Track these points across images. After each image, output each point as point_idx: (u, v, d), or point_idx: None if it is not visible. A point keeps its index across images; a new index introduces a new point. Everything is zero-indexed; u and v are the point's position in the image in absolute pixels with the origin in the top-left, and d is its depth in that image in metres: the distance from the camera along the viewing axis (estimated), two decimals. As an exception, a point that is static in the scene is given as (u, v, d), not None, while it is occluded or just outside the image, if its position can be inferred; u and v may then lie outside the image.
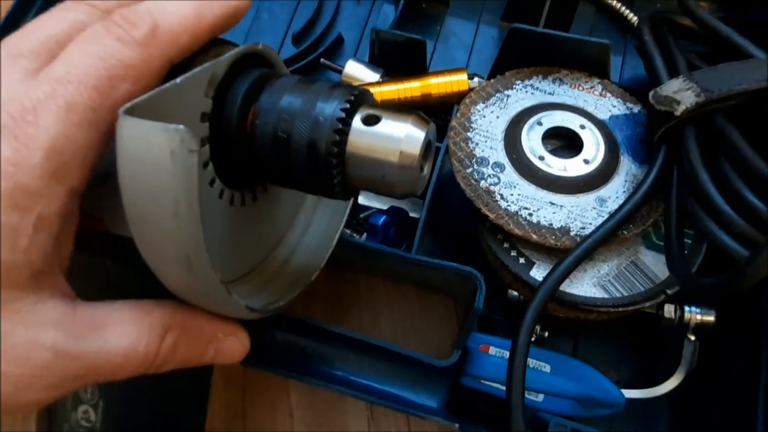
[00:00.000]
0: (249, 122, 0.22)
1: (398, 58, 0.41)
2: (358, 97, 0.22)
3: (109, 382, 0.22)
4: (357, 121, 0.21)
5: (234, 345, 0.25)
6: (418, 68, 0.41)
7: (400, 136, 0.21)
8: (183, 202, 0.16)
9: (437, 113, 0.40)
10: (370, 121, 0.21)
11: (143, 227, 0.18)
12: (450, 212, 0.38)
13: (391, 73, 0.41)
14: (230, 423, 0.38)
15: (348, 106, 0.21)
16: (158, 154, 0.16)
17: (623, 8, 0.45)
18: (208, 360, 0.25)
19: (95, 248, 0.24)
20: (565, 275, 0.30)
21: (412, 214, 0.38)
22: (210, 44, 0.23)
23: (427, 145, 0.22)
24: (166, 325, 0.22)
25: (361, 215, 0.38)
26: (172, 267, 0.19)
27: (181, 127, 0.16)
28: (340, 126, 0.21)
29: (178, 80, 0.19)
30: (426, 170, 0.22)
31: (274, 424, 0.38)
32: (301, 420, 0.38)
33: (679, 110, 0.30)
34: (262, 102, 0.22)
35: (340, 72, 0.42)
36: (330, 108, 0.21)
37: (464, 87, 0.38)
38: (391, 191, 0.22)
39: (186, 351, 0.23)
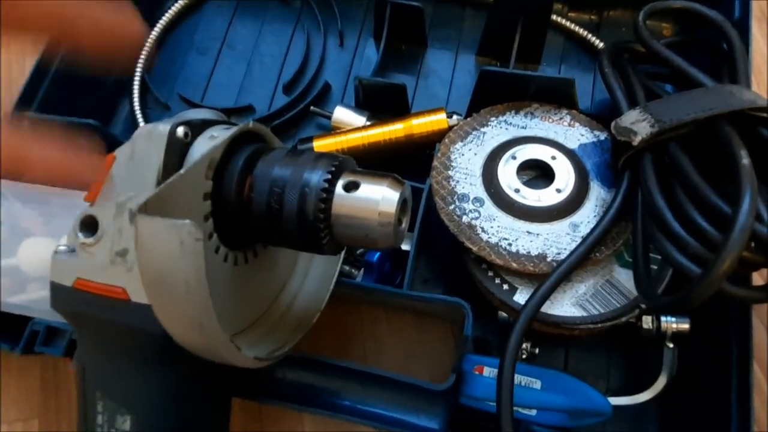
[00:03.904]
0: (245, 195, 0.25)
1: (382, 101, 0.44)
2: (339, 165, 0.25)
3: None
4: (339, 188, 0.24)
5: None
6: (400, 109, 0.44)
7: (378, 199, 0.24)
8: (193, 281, 0.19)
9: (422, 150, 0.43)
10: (351, 187, 0.24)
11: (161, 301, 0.21)
12: (442, 240, 0.41)
13: (377, 115, 0.45)
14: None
15: (330, 176, 0.24)
16: (170, 246, 0.19)
17: (589, 35, 0.48)
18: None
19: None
20: (544, 299, 0.32)
21: (404, 247, 0.41)
22: (204, 124, 0.26)
23: (403, 203, 0.25)
24: None
25: (358, 251, 0.41)
26: (187, 331, 0.22)
27: (187, 221, 0.19)
28: (324, 195, 0.24)
29: (182, 171, 0.22)
30: (404, 225, 0.25)
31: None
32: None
33: (636, 140, 0.32)
34: (255, 176, 0.25)
35: (329, 118, 0.45)
36: (315, 178, 0.24)
37: (444, 126, 0.41)
38: (374, 246, 0.25)
39: None
